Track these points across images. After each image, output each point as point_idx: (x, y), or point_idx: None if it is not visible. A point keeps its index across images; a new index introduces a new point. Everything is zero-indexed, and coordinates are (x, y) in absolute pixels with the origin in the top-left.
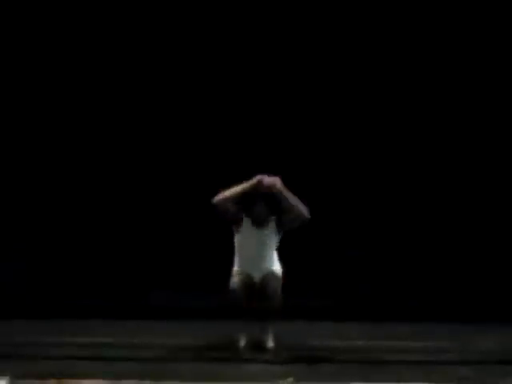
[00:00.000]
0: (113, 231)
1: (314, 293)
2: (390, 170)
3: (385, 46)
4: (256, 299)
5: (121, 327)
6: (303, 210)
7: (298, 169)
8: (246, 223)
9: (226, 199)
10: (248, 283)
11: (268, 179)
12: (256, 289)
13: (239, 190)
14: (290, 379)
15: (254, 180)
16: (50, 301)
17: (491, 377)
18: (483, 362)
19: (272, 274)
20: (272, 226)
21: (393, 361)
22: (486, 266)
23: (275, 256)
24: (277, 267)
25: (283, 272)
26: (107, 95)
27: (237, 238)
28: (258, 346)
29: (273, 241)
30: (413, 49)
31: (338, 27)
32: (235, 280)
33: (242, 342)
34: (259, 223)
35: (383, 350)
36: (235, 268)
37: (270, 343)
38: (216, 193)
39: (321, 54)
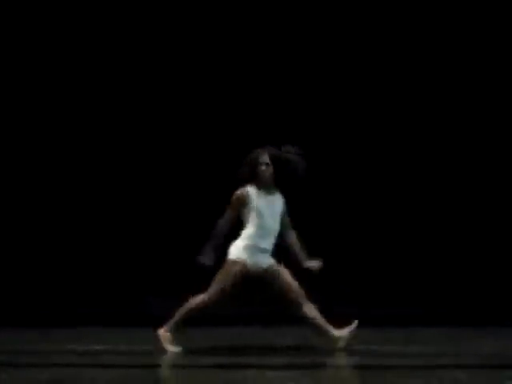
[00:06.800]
0: (111, 240)
1: (310, 298)
2: (381, 182)
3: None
4: None
5: (119, 334)
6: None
7: None
8: None
9: None
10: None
11: None
12: None
13: None
14: None
15: None
16: (48, 309)
17: (489, 381)
18: (481, 366)
19: None
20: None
21: (391, 366)
22: (483, 270)
23: None
24: None
25: None
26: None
27: None
28: (256, 351)
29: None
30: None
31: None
32: None
33: None
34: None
35: (381, 354)
36: None
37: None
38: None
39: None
